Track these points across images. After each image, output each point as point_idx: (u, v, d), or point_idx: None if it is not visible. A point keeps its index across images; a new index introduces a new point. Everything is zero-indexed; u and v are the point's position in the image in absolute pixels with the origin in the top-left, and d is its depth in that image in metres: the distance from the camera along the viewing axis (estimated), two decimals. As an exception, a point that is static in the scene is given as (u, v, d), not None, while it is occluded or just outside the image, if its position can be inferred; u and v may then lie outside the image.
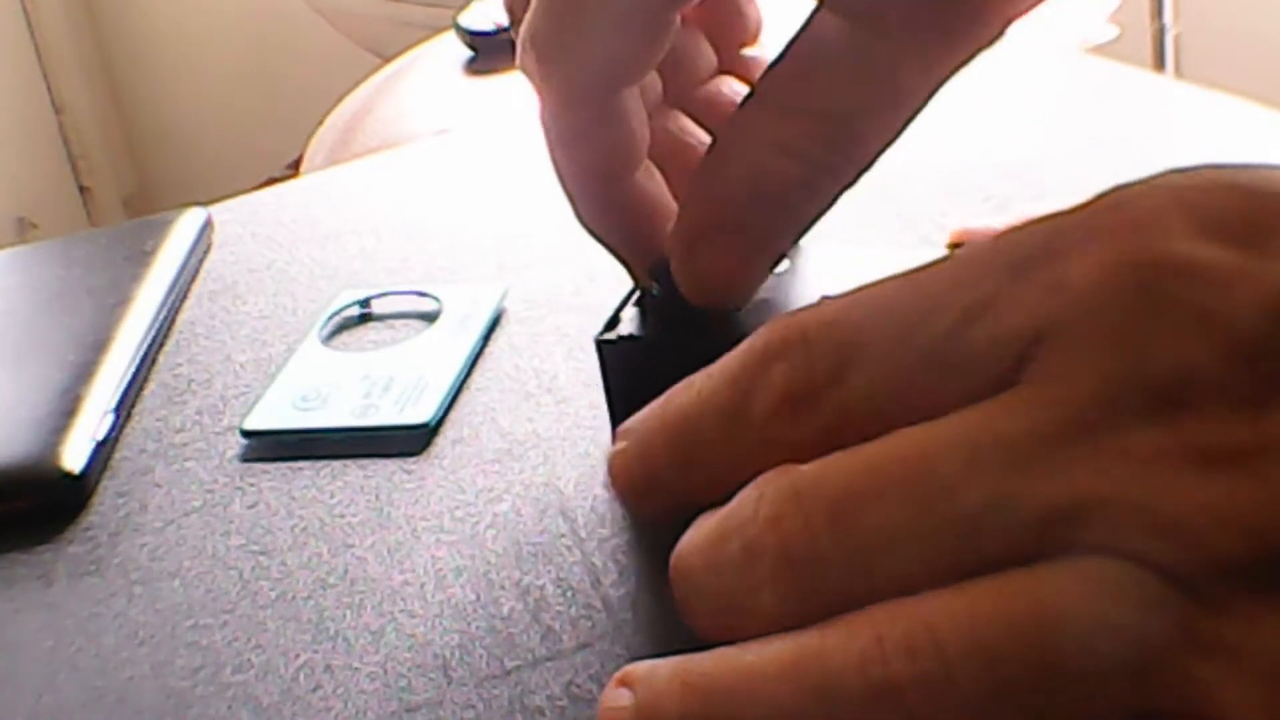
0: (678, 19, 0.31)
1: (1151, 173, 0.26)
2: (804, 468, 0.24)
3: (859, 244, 0.41)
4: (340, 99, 1.32)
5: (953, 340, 0.24)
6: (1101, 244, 0.24)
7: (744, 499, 0.25)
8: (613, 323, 0.34)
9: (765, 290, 0.34)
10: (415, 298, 0.44)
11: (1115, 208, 0.25)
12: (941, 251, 0.38)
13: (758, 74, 0.32)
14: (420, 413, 0.37)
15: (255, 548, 0.34)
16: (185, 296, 0.47)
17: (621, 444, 0.29)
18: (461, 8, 1.03)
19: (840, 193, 0.31)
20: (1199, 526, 0.21)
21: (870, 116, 0.30)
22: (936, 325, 0.25)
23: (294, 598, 0.32)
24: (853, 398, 0.25)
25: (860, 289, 0.26)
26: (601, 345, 0.33)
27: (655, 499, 0.28)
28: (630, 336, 0.33)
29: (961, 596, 0.22)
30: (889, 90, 0.30)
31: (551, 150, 0.34)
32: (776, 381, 0.26)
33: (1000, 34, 0.30)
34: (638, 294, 0.35)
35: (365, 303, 0.44)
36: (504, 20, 0.98)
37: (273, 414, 0.38)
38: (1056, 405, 0.23)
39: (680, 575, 0.25)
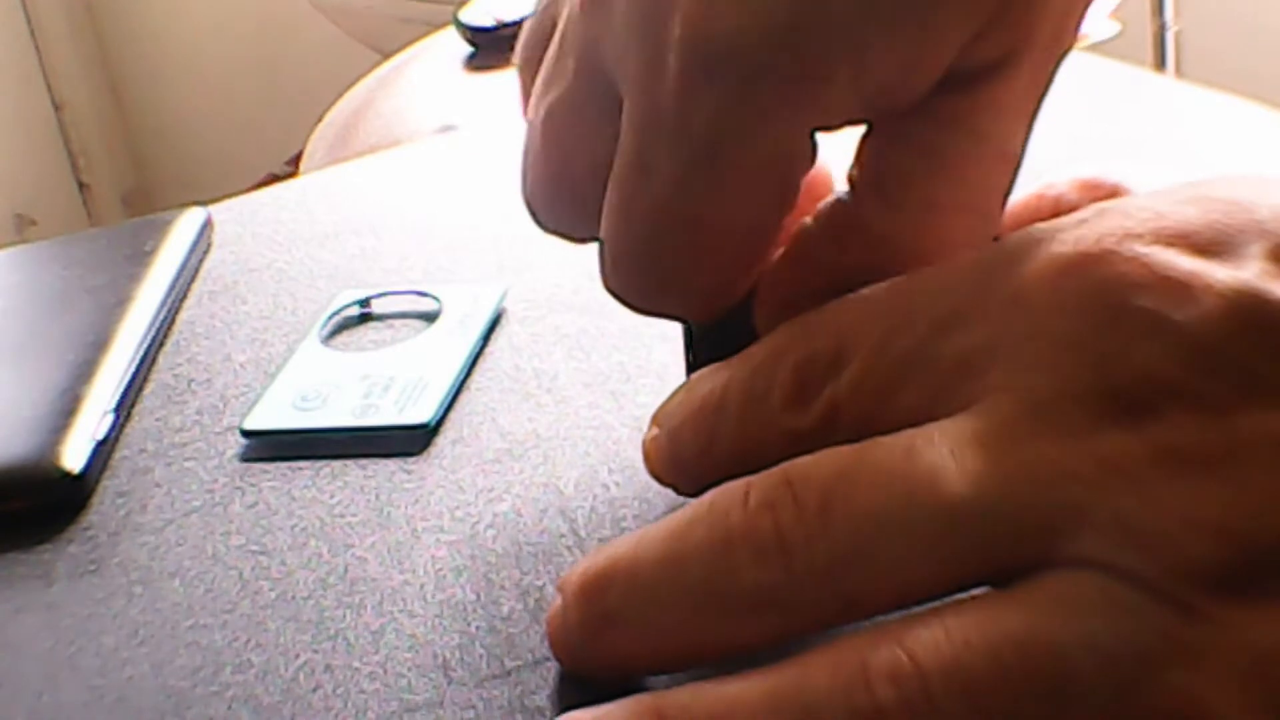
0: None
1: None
2: (794, 460, 0.25)
3: None
4: (340, 95, 1.32)
5: (924, 350, 0.25)
6: (1060, 250, 0.25)
7: (729, 490, 0.25)
8: None
9: None
10: (415, 297, 0.44)
11: (1083, 219, 0.25)
12: None
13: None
14: (420, 413, 0.37)
15: (255, 548, 0.34)
16: (185, 296, 0.47)
17: (652, 430, 0.30)
18: (461, 4, 1.03)
19: None
20: (1174, 535, 0.22)
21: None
22: (911, 333, 0.26)
23: (294, 598, 0.32)
24: (842, 392, 0.26)
25: (862, 289, 0.27)
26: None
27: (683, 480, 0.29)
28: None
29: (942, 623, 0.22)
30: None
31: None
32: (789, 373, 0.27)
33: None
34: None
35: (365, 303, 0.44)
36: (504, 16, 0.98)
37: (273, 414, 0.38)
38: (1021, 407, 0.24)
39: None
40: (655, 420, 0.30)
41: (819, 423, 0.26)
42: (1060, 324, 0.24)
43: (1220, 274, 0.23)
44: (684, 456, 0.29)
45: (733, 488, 0.25)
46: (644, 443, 0.30)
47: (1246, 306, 0.22)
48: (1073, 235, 0.25)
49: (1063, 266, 0.24)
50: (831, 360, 0.26)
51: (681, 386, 0.29)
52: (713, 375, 0.29)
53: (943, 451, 0.24)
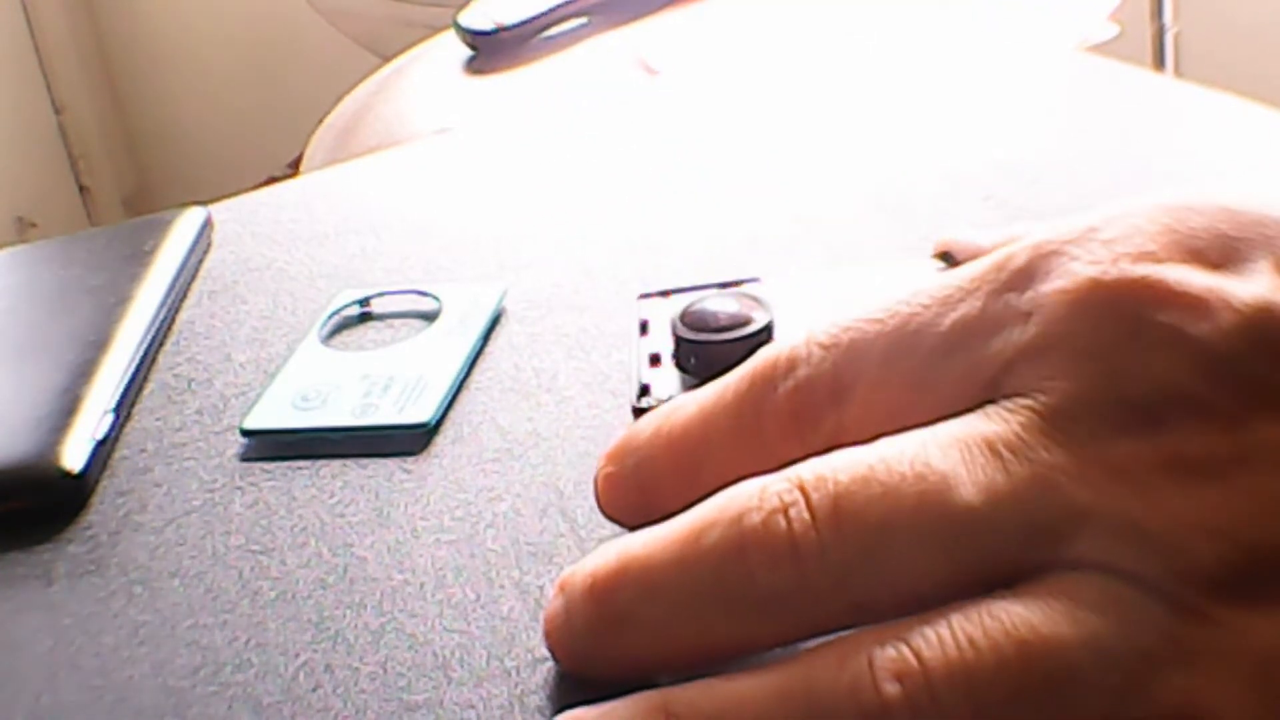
0: None
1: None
2: (807, 462, 0.25)
3: (828, 266, 0.41)
4: (340, 98, 1.32)
5: (933, 366, 0.25)
6: (1076, 267, 0.25)
7: (742, 492, 0.25)
8: (644, 390, 0.35)
9: (754, 322, 0.34)
10: (415, 297, 0.44)
11: (1092, 229, 0.25)
12: (926, 263, 0.39)
13: None
14: (420, 412, 0.37)
15: (255, 547, 0.34)
16: (185, 296, 0.47)
17: (610, 467, 0.29)
18: (461, 7, 1.03)
19: None
20: (1179, 538, 0.22)
21: None
22: (917, 353, 0.26)
23: (294, 598, 0.32)
24: (849, 418, 0.26)
25: (852, 310, 0.27)
26: (640, 414, 0.33)
27: (650, 515, 0.28)
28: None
29: (947, 622, 0.22)
30: None
31: None
32: (782, 402, 0.27)
33: None
34: (649, 355, 0.36)
35: (365, 302, 0.44)
36: (503, 19, 0.98)
37: (273, 414, 0.38)
38: (1034, 415, 0.24)
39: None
40: (610, 458, 0.29)
41: (821, 450, 0.26)
42: (1077, 337, 0.24)
43: (1234, 290, 0.23)
44: (659, 490, 0.28)
45: (745, 490, 0.25)
46: (596, 480, 0.30)
47: (1260, 321, 0.23)
48: (1086, 252, 0.25)
49: (1080, 284, 0.24)
50: (831, 388, 0.26)
51: (640, 422, 0.29)
52: (683, 408, 0.28)
53: (954, 458, 0.24)
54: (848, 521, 0.24)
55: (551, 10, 1.00)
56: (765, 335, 0.34)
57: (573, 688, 0.27)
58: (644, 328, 0.38)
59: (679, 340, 0.35)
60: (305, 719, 0.28)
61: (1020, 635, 0.22)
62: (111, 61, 2.40)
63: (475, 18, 1.01)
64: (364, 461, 0.36)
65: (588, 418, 0.37)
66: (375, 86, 1.30)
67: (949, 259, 0.38)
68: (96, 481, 0.37)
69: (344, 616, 0.31)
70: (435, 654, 0.29)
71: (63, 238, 0.51)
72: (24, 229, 2.16)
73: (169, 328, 0.45)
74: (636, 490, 0.29)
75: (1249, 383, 0.23)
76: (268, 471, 0.37)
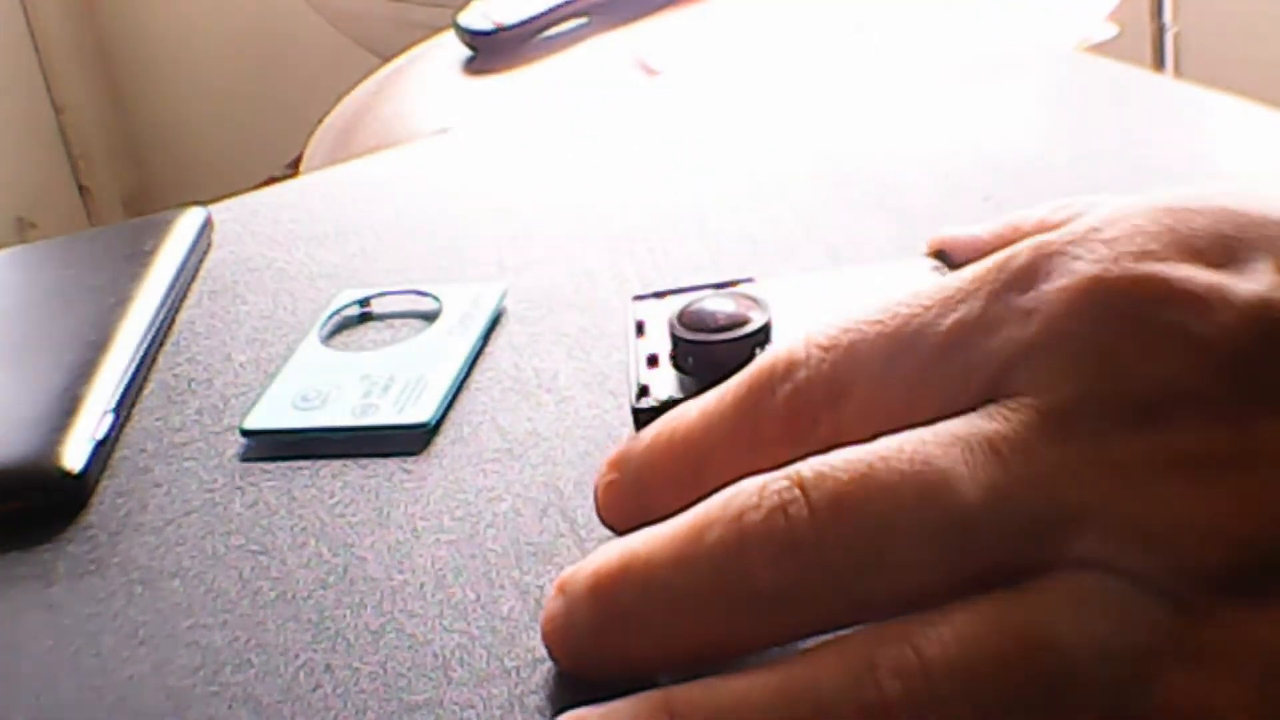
0: None
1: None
2: (807, 460, 0.25)
3: (827, 267, 0.41)
4: (340, 99, 1.32)
5: (933, 367, 0.25)
6: (1079, 266, 0.25)
7: (742, 490, 0.25)
8: (642, 391, 0.35)
9: (752, 322, 0.34)
10: (415, 297, 0.44)
11: (1094, 229, 0.25)
12: (924, 262, 0.39)
13: None
14: (420, 412, 0.37)
15: (255, 548, 0.34)
16: (185, 296, 0.47)
17: (612, 475, 0.30)
18: (461, 7, 1.03)
19: None
20: (1182, 537, 0.22)
21: None
22: (919, 352, 0.26)
23: (294, 598, 0.32)
24: (846, 420, 0.26)
25: (851, 312, 0.27)
26: (640, 415, 0.33)
27: (648, 520, 0.28)
28: (670, 400, 0.33)
29: (948, 619, 0.22)
30: None
31: None
32: (780, 406, 0.27)
33: None
34: (646, 356, 0.36)
35: (365, 302, 0.44)
36: (503, 20, 0.98)
37: (273, 414, 0.38)
38: (1035, 413, 0.24)
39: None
40: (611, 465, 0.30)
41: (819, 451, 0.26)
42: (1079, 334, 0.24)
43: (1236, 288, 0.23)
44: (658, 495, 0.28)
45: (745, 488, 0.25)
46: (597, 486, 0.30)
47: (1262, 319, 0.23)
48: (1089, 251, 0.25)
49: (1083, 283, 0.24)
50: (829, 389, 0.26)
51: (643, 430, 0.29)
52: (684, 414, 0.28)
53: (955, 456, 0.24)
54: (848, 519, 0.24)
55: (551, 10, 1.00)
56: (763, 335, 0.34)
57: (573, 688, 0.27)
58: (640, 329, 0.38)
59: (677, 340, 0.35)
60: (305, 719, 0.28)
61: (1022, 633, 0.22)
62: (111, 61, 2.40)
63: (475, 18, 1.01)
64: (364, 461, 0.36)
65: (588, 418, 0.37)
66: (375, 86, 1.30)
67: (944, 257, 0.38)
68: (96, 481, 0.37)
69: (344, 616, 0.31)
70: (435, 654, 0.29)
71: (63, 238, 0.51)
72: (24, 229, 2.16)
73: (169, 328, 0.45)
74: (636, 497, 0.29)
75: (1251, 380, 0.23)
76: (268, 471, 0.37)
